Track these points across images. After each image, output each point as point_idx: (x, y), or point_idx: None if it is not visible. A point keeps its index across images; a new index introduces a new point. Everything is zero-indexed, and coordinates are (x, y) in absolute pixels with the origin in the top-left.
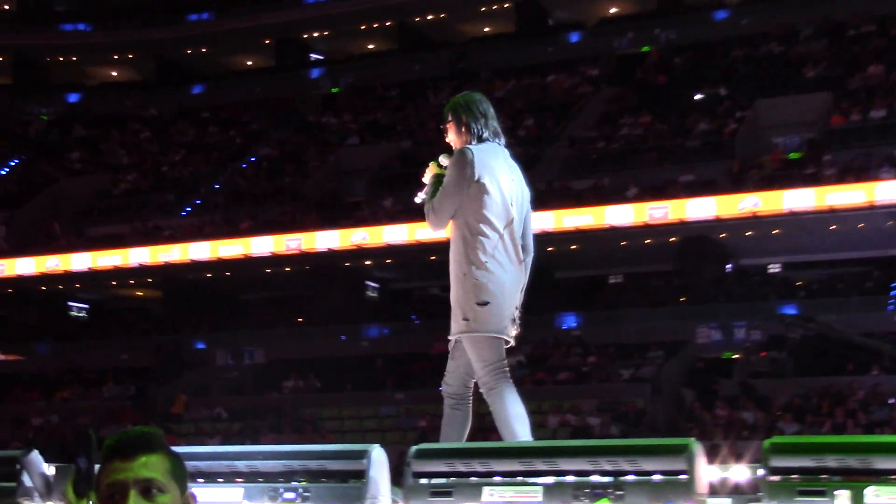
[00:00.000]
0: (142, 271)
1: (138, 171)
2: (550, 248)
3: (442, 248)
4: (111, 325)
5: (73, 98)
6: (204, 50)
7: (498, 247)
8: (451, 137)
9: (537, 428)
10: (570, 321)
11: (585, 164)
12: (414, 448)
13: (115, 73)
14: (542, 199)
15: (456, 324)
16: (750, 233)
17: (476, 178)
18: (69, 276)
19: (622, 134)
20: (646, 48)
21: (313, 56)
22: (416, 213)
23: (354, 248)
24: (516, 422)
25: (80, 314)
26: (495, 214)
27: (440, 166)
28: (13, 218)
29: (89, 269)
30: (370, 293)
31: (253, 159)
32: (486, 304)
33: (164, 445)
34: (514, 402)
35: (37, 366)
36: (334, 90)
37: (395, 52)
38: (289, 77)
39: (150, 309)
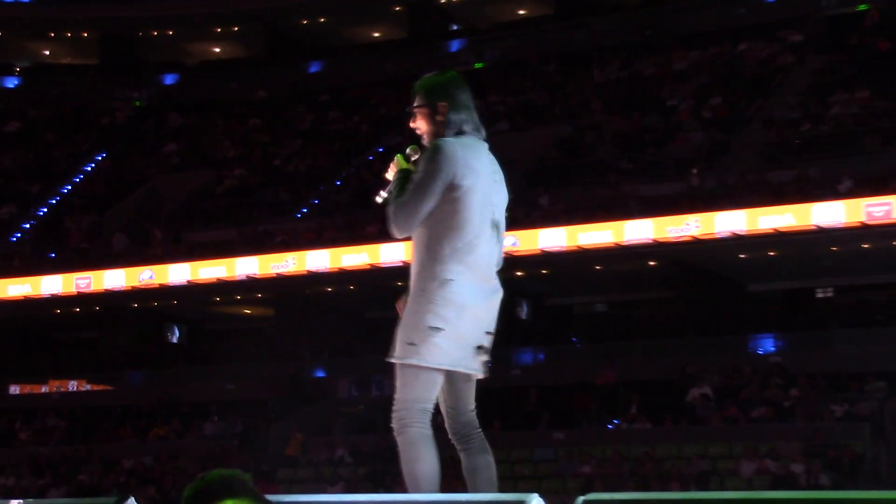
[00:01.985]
0: (250, 285)
1: (246, 166)
2: (742, 256)
3: (611, 256)
4: (214, 350)
5: (169, 80)
6: (323, 20)
7: (467, 262)
8: (421, 126)
9: (728, 476)
10: (767, 345)
11: (787, 151)
12: (580, 499)
13: (217, 50)
14: (733, 195)
15: (398, 347)
16: None
17: (454, 180)
18: (165, 291)
19: (833, 113)
20: (862, 6)
21: (453, 25)
22: (580, 213)
23: (503, 256)
24: (423, 482)
25: (179, 337)
26: (470, 224)
27: (407, 160)
28: (100, 223)
29: (188, 282)
30: (521, 310)
31: (381, 150)
32: (438, 330)
33: (250, 492)
34: (425, 454)
35: (128, 398)
36: (478, 65)
37: (552, 19)
38: (424, 51)
39: (260, 330)
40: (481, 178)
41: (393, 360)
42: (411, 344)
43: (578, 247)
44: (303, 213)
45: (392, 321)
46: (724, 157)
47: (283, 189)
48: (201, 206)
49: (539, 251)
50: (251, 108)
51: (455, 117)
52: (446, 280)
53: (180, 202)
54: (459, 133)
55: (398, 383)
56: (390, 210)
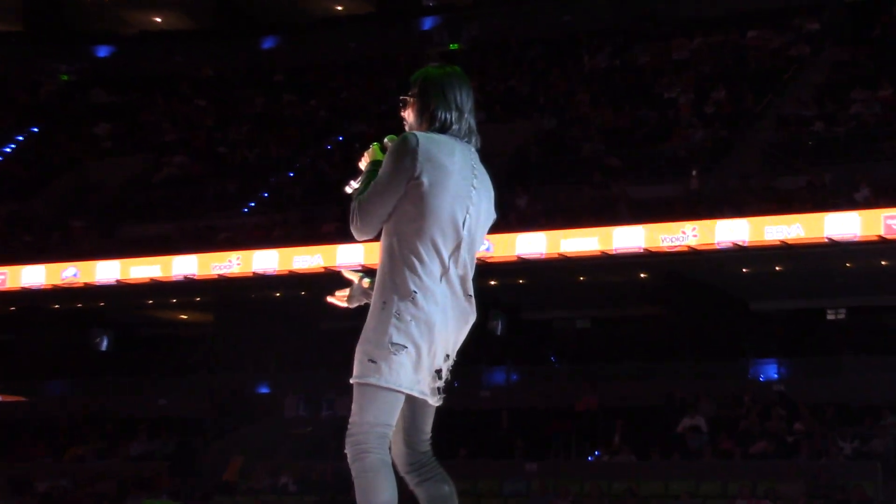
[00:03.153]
0: (189, 287)
1: (187, 152)
2: (745, 270)
3: (596, 266)
4: (145, 360)
5: (102, 52)
6: None
7: (435, 275)
8: (409, 117)
9: None
10: (770, 371)
11: (798, 153)
12: None
13: (159, 20)
14: (735, 201)
15: (357, 365)
16: None
17: (416, 175)
18: (91, 292)
19: (852, 113)
20: None
21: (427, 1)
22: (562, 217)
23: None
24: None
25: (105, 343)
26: (439, 230)
27: (384, 151)
28: (21, 211)
29: (118, 282)
30: (494, 325)
31: (341, 139)
32: (402, 348)
33: None
34: (383, 484)
35: (45, 411)
36: (453, 47)
37: None
38: (393, 29)
39: (198, 338)
40: (451, 177)
41: (352, 381)
42: (372, 361)
43: (560, 254)
44: (250, 208)
45: (348, 332)
46: (727, 157)
47: (229, 180)
48: (136, 197)
49: (515, 258)
50: (196, 87)
51: (442, 115)
52: (410, 292)
53: (112, 191)
54: (443, 131)
55: (355, 405)
56: (352, 207)
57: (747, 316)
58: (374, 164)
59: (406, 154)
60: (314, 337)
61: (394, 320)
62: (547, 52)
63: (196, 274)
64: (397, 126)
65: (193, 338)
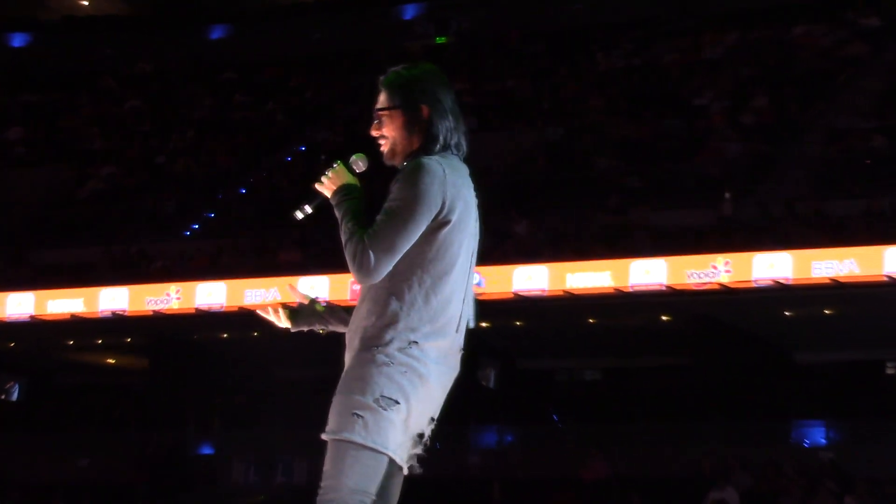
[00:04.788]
0: (117, 325)
1: (118, 163)
2: (788, 313)
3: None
4: (63, 413)
5: (16, 41)
6: None
7: (439, 321)
8: (390, 135)
9: None
10: (817, 435)
11: (853, 173)
12: None
13: (86, 3)
14: (777, 231)
15: (336, 418)
16: None
17: (444, 212)
18: None
19: None
20: None
21: None
22: (569, 246)
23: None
24: None
25: (15, 393)
26: (448, 270)
27: (353, 172)
28: None
29: (32, 318)
30: (485, 375)
31: (303, 149)
32: (393, 403)
33: None
34: None
35: None
36: (440, 40)
37: None
38: (366, 18)
39: (128, 387)
40: (471, 213)
41: (326, 437)
42: (356, 415)
43: (565, 291)
44: (193, 230)
45: (311, 383)
46: (768, 177)
47: (167, 196)
48: (54, 215)
49: (512, 295)
50: (129, 86)
51: (441, 127)
52: (410, 342)
53: (25, 208)
54: (445, 149)
55: (330, 465)
56: (355, 247)
57: (790, 369)
58: (347, 191)
59: (433, 186)
60: (269, 387)
61: (385, 370)
62: (552, 48)
63: (126, 309)
64: (351, 129)
65: (122, 387)
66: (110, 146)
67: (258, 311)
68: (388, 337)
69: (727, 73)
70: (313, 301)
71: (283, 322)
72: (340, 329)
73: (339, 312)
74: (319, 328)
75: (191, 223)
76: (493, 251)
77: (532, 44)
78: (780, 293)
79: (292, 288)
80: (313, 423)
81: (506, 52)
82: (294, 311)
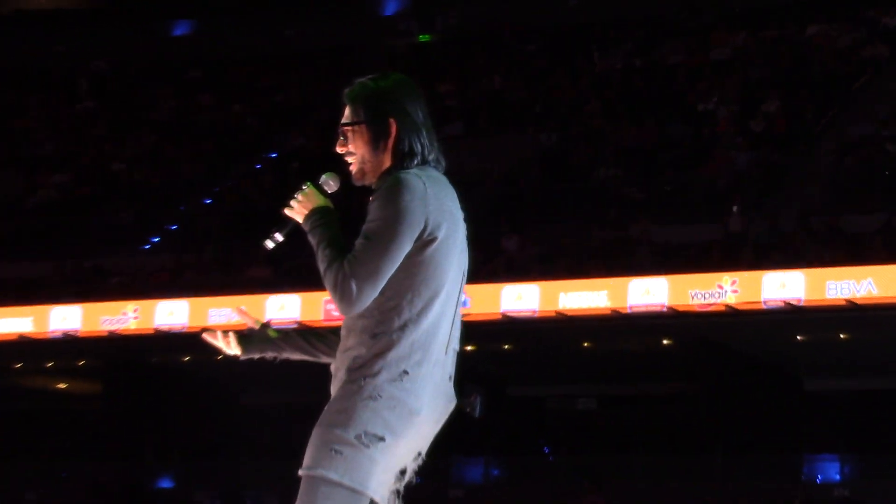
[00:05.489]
0: (69, 347)
1: (73, 170)
2: (800, 338)
3: (606, 329)
4: (11, 442)
5: None
6: None
7: (429, 349)
8: (358, 152)
9: None
10: (831, 470)
11: (872, 185)
12: None
13: None
14: (789, 247)
15: (314, 452)
16: None
17: (430, 231)
18: None
19: None
20: None
21: None
22: (563, 263)
23: None
24: None
25: None
26: (438, 291)
27: (324, 193)
28: None
29: None
30: (471, 403)
31: (274, 155)
32: (379, 440)
33: None
34: None
35: None
36: (424, 38)
37: None
38: (343, 13)
39: (81, 414)
40: (459, 229)
41: (301, 472)
42: (336, 451)
43: (558, 312)
44: (153, 244)
45: (280, 409)
46: (780, 190)
47: (124, 207)
48: (1, 227)
49: (500, 316)
50: (84, 86)
51: (413, 141)
52: (402, 372)
53: None
54: (423, 164)
55: (299, 502)
56: (335, 275)
57: (802, 398)
58: (322, 214)
59: (414, 202)
60: (234, 415)
61: (371, 404)
62: (547, 47)
63: (80, 330)
64: (326, 135)
65: (75, 414)
66: (62, 151)
67: (205, 336)
68: (377, 367)
69: (736, 75)
70: (265, 326)
71: (232, 349)
72: (295, 356)
73: (295, 339)
74: (271, 355)
75: (150, 236)
76: (480, 268)
77: (525, 42)
78: (791, 315)
79: (241, 311)
80: (284, 454)
81: (496, 50)
82: (244, 337)
